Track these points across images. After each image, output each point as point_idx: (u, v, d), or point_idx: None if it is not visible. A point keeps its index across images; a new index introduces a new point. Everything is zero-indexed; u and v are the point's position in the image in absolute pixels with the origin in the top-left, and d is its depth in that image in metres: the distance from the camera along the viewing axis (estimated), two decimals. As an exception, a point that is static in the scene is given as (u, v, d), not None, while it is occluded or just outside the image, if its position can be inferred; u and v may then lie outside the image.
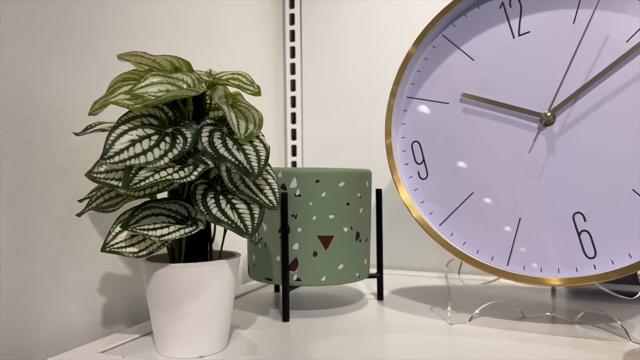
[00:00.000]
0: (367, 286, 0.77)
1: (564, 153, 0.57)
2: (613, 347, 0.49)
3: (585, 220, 0.55)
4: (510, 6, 0.61)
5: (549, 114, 0.57)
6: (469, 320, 0.58)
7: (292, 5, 0.98)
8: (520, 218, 0.58)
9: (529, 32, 0.59)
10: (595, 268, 0.54)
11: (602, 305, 0.64)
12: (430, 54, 0.64)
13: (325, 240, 0.61)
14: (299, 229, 0.60)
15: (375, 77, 0.92)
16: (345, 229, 0.62)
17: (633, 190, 0.53)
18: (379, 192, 0.69)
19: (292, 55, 0.99)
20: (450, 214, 0.61)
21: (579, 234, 0.55)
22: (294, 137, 1.00)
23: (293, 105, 0.99)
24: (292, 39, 0.99)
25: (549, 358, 0.46)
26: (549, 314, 0.61)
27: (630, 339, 0.51)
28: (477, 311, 0.60)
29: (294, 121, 0.99)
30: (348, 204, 0.62)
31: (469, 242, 0.60)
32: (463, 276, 0.77)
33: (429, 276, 0.84)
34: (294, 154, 1.00)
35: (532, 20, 0.59)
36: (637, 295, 0.52)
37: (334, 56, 0.96)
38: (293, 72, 0.99)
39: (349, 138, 0.95)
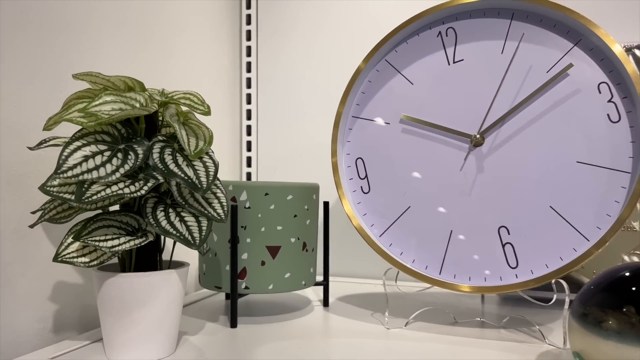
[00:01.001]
0: (315, 293, 0.81)
1: (491, 172, 0.62)
2: (530, 349, 0.54)
3: (509, 234, 0.60)
4: (447, 35, 0.66)
5: (478, 135, 0.62)
6: (405, 325, 0.62)
7: (248, 22, 1.02)
8: (451, 231, 0.62)
9: (463, 60, 0.65)
10: (517, 277, 0.59)
11: (525, 310, 0.70)
12: (374, 76, 0.69)
13: (273, 250, 0.64)
14: (248, 240, 0.63)
15: (327, 93, 0.97)
16: (293, 240, 0.65)
17: (550, 206, 0.59)
18: (326, 205, 0.73)
19: (249, 70, 1.02)
20: (390, 226, 0.66)
21: (503, 246, 0.60)
22: (249, 149, 1.03)
23: (249, 118, 1.02)
24: (249, 54, 1.02)
25: (475, 359, 0.51)
26: (478, 319, 0.66)
27: (546, 341, 0.57)
28: (412, 317, 0.64)
29: (249, 133, 1.03)
30: (295, 215, 0.65)
31: (406, 252, 0.64)
32: (402, 283, 0.82)
33: (374, 283, 0.89)
34: (249, 164, 1.03)
35: (465, 49, 0.65)
36: (552, 301, 0.58)
37: (288, 72, 1.00)
38: (249, 86, 1.02)
39: (301, 150, 0.99)
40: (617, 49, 0.57)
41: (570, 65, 0.60)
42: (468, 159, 0.63)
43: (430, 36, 0.67)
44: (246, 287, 0.64)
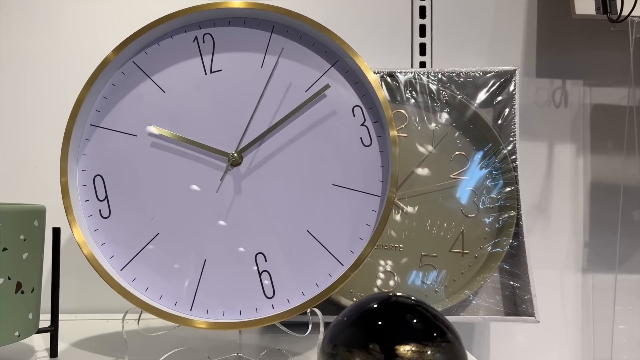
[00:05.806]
0: (44, 340, 0.65)
1: (249, 194, 0.57)
2: (285, 386, 0.50)
3: (266, 261, 0.56)
4: (204, 42, 0.59)
5: (236, 154, 0.57)
6: (150, 374, 0.53)
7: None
8: (205, 260, 0.56)
9: (221, 70, 0.59)
10: (273, 308, 0.55)
11: (284, 339, 0.66)
12: (119, 80, 0.58)
13: (-31, 296, 0.49)
14: None
15: (55, 89, 0.81)
16: (1, 280, 0.50)
17: (307, 231, 0.56)
18: (56, 232, 0.59)
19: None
20: (134, 257, 0.56)
21: (260, 274, 0.56)
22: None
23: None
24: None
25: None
26: (235, 354, 0.60)
27: (302, 374, 0.54)
28: (159, 362, 0.55)
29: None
30: (5, 249, 0.51)
31: (152, 288, 0.55)
32: (147, 320, 0.72)
33: (115, 319, 0.76)
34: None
35: (224, 59, 0.59)
36: (308, 332, 0.55)
37: None
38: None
39: (6, 164, 0.80)
40: (370, 75, 0.58)
41: (328, 86, 0.58)
42: (225, 180, 0.57)
43: (186, 40, 0.59)
44: None
